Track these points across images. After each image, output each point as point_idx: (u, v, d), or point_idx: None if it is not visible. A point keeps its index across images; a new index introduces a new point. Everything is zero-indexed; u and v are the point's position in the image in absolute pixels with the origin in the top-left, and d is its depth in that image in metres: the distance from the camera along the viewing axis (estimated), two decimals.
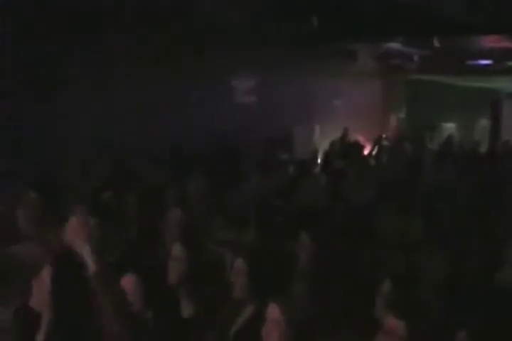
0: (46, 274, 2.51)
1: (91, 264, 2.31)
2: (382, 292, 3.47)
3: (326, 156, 10.63)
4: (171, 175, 6.91)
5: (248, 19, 9.92)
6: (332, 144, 11.52)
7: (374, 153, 11.88)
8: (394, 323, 2.66)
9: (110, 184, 6.02)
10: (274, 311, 2.66)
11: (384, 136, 13.33)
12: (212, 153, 8.90)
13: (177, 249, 3.61)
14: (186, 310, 3.42)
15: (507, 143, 13.55)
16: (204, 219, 5.21)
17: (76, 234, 2.36)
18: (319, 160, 10.63)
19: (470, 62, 15.26)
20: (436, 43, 14.10)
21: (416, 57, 14.82)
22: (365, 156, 11.30)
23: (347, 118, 12.95)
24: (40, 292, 2.54)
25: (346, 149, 11.05)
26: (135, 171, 7.15)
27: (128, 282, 3.08)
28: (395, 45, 14.02)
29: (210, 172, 7.07)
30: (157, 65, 8.79)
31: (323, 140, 12.31)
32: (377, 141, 12.25)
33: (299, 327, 2.66)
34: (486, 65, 15.30)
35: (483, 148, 14.35)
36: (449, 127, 17.57)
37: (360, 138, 12.56)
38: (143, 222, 5.04)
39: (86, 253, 2.33)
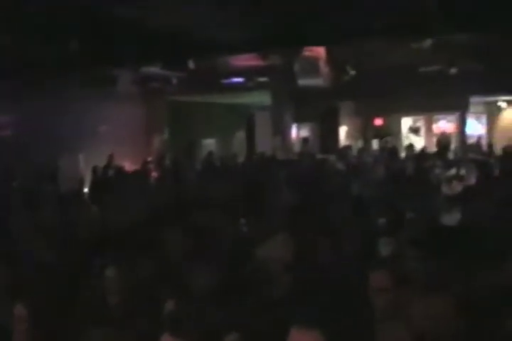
0: None
1: None
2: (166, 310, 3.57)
3: (94, 184, 10.57)
4: None
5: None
6: (94, 171, 11.39)
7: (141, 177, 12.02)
8: None
9: None
10: None
11: (149, 159, 13.54)
12: None
13: None
14: None
15: (262, 153, 14.45)
16: None
17: None
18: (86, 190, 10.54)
19: (224, 81, 16.10)
20: (191, 65, 14.70)
21: (174, 80, 15.27)
22: (132, 181, 11.37)
23: (112, 143, 12.94)
24: None
25: (114, 175, 11.06)
26: None
27: None
28: (153, 69, 14.34)
29: None
30: None
31: (89, 168, 12.16)
32: (143, 166, 12.42)
33: None
34: (239, 83, 16.25)
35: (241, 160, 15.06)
36: (209, 143, 18.30)
37: (127, 163, 12.61)
38: None
39: None
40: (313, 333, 1.83)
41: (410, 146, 13.13)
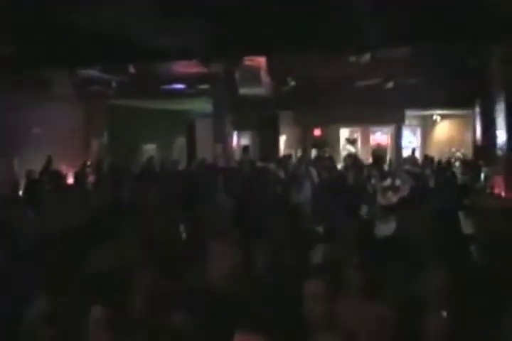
0: None
1: None
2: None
3: (28, 188, 10.32)
4: None
5: None
6: (28, 175, 11.12)
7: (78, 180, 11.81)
8: None
9: None
10: None
11: (88, 163, 13.34)
12: None
13: None
14: None
15: (202, 160, 14.45)
16: None
17: None
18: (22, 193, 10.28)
19: (165, 87, 16.04)
20: (132, 69, 14.60)
21: (114, 83, 15.12)
22: (67, 185, 11.18)
23: (49, 146, 12.69)
24: None
25: (50, 179, 10.81)
26: None
27: None
28: (93, 72, 14.17)
29: None
30: None
31: (23, 172, 11.85)
32: (81, 169, 12.21)
33: None
34: (180, 89, 16.21)
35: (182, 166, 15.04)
36: (150, 148, 18.18)
37: (63, 167, 12.38)
38: None
39: None
40: (255, 338, 1.87)
41: (349, 156, 13.36)
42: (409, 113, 18.10)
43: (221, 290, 3.96)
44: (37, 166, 11.89)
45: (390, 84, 15.57)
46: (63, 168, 12.13)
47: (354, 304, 3.78)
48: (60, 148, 12.98)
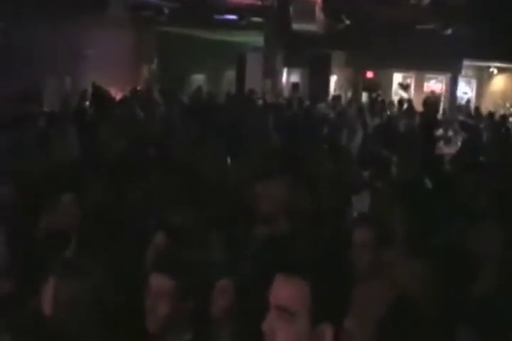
0: None
1: None
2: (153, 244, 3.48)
3: (79, 109, 10.39)
4: None
5: None
6: (82, 96, 11.21)
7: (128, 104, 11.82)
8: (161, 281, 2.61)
9: None
10: None
11: (138, 88, 13.33)
12: None
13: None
14: None
15: (252, 92, 14.31)
16: None
17: None
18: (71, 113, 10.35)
19: (217, 17, 15.77)
20: None
21: (166, 10, 14.91)
22: (118, 108, 11.19)
23: (100, 69, 12.66)
24: None
25: (98, 101, 10.84)
26: None
27: None
28: None
29: None
30: None
31: (74, 92, 11.92)
32: (132, 93, 12.20)
33: None
34: (232, 20, 15.93)
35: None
36: (198, 78, 18.07)
37: (112, 90, 12.39)
38: None
39: None
40: (298, 280, 1.82)
41: (402, 101, 13.04)
42: (466, 63, 17.60)
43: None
44: (88, 87, 11.94)
45: (449, 31, 15.01)
46: (112, 91, 12.15)
47: (400, 256, 3.72)
48: (110, 72, 12.95)
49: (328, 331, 1.82)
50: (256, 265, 3.54)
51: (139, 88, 13.48)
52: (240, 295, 2.98)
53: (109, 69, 13.01)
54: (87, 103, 11.42)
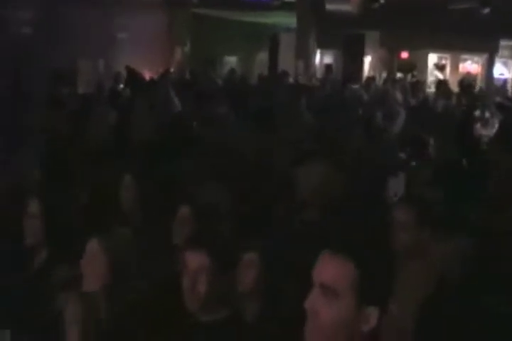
0: None
1: None
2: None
3: (113, 91, 10.43)
4: None
5: None
6: (116, 78, 11.24)
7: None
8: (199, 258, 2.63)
9: None
10: None
11: (171, 69, 13.33)
12: None
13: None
14: None
15: (284, 73, 14.19)
16: None
17: None
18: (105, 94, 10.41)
19: None
20: None
21: None
22: (151, 89, 11.21)
23: (133, 52, 12.71)
24: None
25: (133, 83, 10.86)
26: None
27: None
28: None
29: None
30: None
31: (107, 74, 11.98)
32: (164, 74, 12.18)
33: None
34: (265, 1, 15.80)
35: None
36: (230, 60, 18.01)
37: (146, 73, 12.42)
38: None
39: None
40: (343, 259, 1.80)
41: (440, 83, 12.80)
42: (503, 43, 17.27)
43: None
44: (121, 70, 11.98)
45: (487, 10, 14.67)
46: (146, 74, 12.18)
47: (439, 237, 3.68)
48: (143, 54, 13.00)
49: (374, 313, 1.81)
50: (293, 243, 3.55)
51: (172, 70, 13.47)
52: (266, 270, 2.98)
53: (142, 51, 13.05)
54: (121, 86, 11.45)
